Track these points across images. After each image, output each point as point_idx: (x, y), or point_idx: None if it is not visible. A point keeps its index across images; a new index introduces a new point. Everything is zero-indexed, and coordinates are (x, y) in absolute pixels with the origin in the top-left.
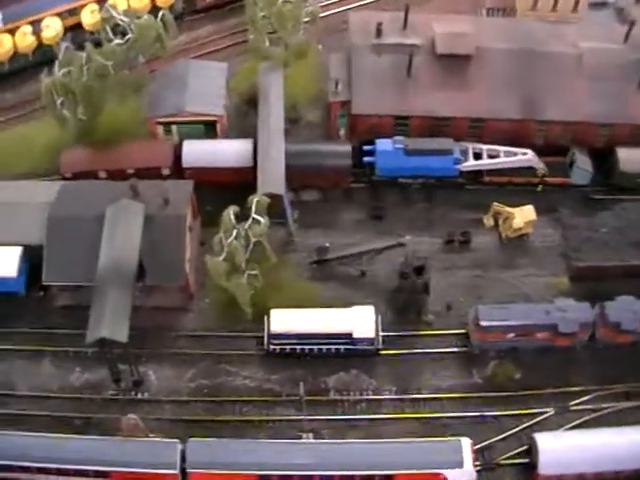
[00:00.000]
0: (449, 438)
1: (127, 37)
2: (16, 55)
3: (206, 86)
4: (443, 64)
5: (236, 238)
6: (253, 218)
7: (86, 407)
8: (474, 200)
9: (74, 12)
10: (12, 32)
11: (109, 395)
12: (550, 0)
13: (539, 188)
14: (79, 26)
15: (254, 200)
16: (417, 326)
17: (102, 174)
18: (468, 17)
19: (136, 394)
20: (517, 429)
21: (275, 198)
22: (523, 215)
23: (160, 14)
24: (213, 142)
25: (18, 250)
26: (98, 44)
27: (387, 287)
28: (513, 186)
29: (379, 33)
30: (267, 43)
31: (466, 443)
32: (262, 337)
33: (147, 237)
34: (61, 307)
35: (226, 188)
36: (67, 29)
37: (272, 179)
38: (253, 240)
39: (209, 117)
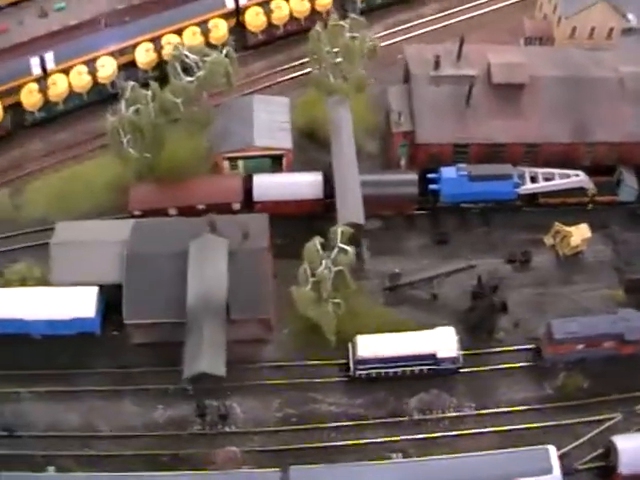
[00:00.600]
0: (535, 447)
1: (197, 74)
2: (71, 95)
3: (272, 120)
4: (498, 93)
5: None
6: (339, 248)
7: (172, 443)
8: (530, 221)
9: (127, 51)
10: (66, 72)
11: (195, 430)
12: (587, 28)
13: (589, 207)
14: (132, 64)
15: (338, 230)
16: (488, 344)
17: (172, 211)
18: (517, 47)
19: (223, 427)
20: (589, 435)
21: (355, 227)
22: (579, 233)
23: (224, 51)
24: (283, 176)
25: (95, 290)
26: (155, 80)
27: (458, 308)
28: (565, 206)
29: (437, 65)
30: (331, 77)
31: (552, 450)
32: (344, 363)
33: (230, 271)
34: (137, 345)
35: (290, 220)
36: (120, 67)
37: (352, 209)
38: (335, 269)
39: (277, 151)
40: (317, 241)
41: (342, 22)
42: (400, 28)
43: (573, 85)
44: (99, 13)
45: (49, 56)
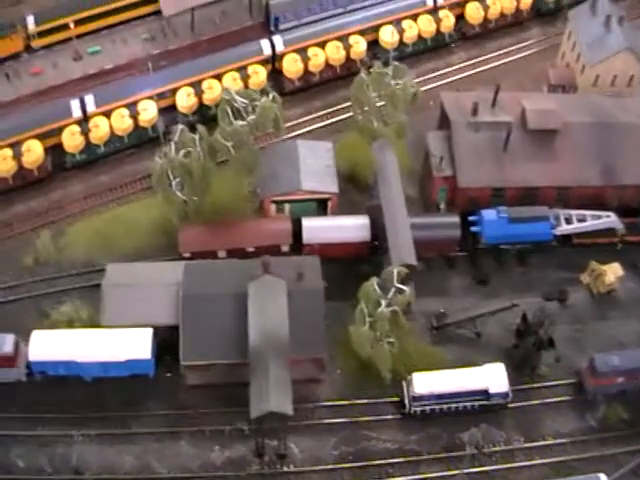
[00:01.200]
0: (588, 475)
1: (249, 118)
2: (112, 137)
3: (318, 165)
4: (533, 138)
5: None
6: (396, 288)
7: None
8: (564, 261)
9: (167, 95)
10: (106, 114)
11: (254, 470)
12: (610, 76)
13: (619, 246)
14: (172, 108)
15: (394, 271)
16: (532, 379)
17: (221, 253)
18: (549, 94)
19: (281, 467)
20: (632, 464)
21: (408, 268)
22: (613, 271)
23: (270, 96)
24: (331, 219)
25: (150, 331)
26: (192, 126)
27: (501, 345)
28: (597, 246)
29: (475, 112)
30: (375, 122)
31: (604, 478)
32: (398, 401)
33: (288, 312)
34: (191, 386)
35: (333, 262)
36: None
37: (404, 250)
38: (391, 309)
39: (323, 195)
40: (374, 281)
41: (385, 69)
42: (430, 76)
43: (602, 131)
44: (134, 57)
45: (89, 98)
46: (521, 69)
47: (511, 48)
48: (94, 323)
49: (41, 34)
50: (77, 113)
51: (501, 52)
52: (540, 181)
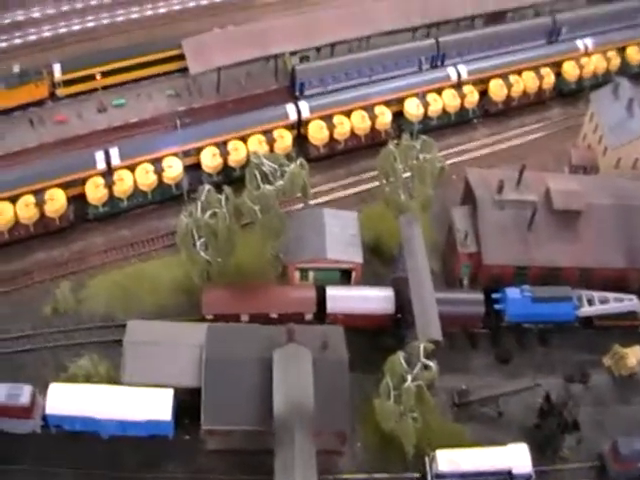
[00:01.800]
0: None
1: (277, 183)
2: (135, 192)
3: (343, 234)
4: (557, 218)
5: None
6: (422, 364)
7: None
8: (586, 342)
9: (191, 153)
10: (130, 168)
11: None
12: (631, 159)
13: None
14: (196, 166)
15: (421, 346)
16: (554, 461)
17: (244, 317)
18: (573, 175)
19: None
20: None
21: (434, 343)
22: (635, 355)
23: (297, 162)
24: (355, 289)
25: (170, 392)
26: (216, 186)
27: (522, 425)
28: (619, 328)
29: (500, 189)
30: (402, 195)
31: None
32: (420, 477)
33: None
34: (210, 451)
35: (355, 332)
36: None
37: (431, 325)
38: (416, 384)
39: (348, 264)
40: (401, 356)
41: (414, 142)
42: (452, 150)
43: (625, 213)
44: (158, 112)
45: (114, 151)
46: (542, 148)
47: (533, 127)
48: (112, 379)
49: (67, 83)
50: (101, 165)
51: (523, 130)
52: (563, 261)
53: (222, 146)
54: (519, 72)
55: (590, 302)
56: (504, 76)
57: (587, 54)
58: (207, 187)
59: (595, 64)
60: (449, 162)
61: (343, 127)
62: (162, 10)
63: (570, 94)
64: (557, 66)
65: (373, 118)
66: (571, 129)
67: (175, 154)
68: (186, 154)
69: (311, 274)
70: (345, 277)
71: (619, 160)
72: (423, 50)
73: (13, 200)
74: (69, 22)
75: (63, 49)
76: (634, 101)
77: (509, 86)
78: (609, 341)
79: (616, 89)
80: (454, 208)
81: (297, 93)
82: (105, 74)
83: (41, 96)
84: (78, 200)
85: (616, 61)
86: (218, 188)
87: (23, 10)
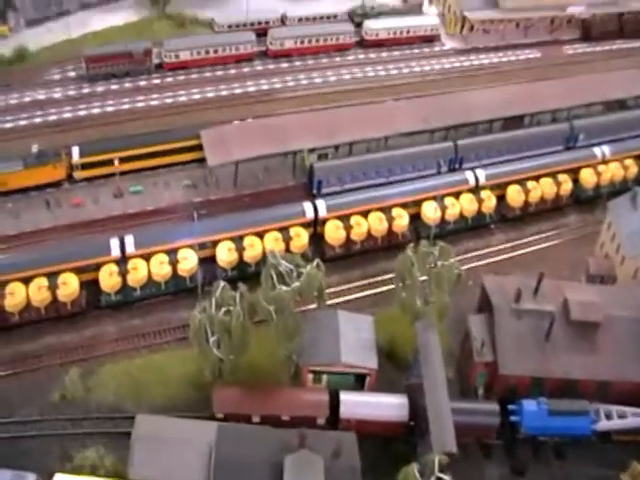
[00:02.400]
0: None
1: (293, 285)
2: (149, 282)
3: (358, 339)
4: (575, 329)
5: None
6: (438, 477)
7: None
8: (603, 457)
9: (207, 246)
10: (144, 257)
11: None
12: None
13: None
14: (210, 260)
15: (436, 459)
16: None
17: (256, 417)
18: (590, 285)
19: None
20: None
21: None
22: None
23: (314, 263)
24: (369, 395)
25: None
26: (230, 281)
27: None
28: (637, 443)
29: (518, 298)
30: (418, 302)
31: None
32: None
33: None
34: None
35: (366, 439)
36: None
37: (446, 436)
38: None
39: (362, 369)
40: (415, 467)
41: (432, 249)
42: (469, 255)
43: None
44: (175, 202)
45: (129, 239)
46: (559, 255)
47: (550, 233)
48: (118, 473)
49: (85, 166)
50: (116, 252)
51: (540, 237)
52: (580, 374)
53: (238, 241)
54: (537, 178)
55: (608, 416)
56: (522, 182)
57: (604, 161)
58: (222, 284)
59: (612, 172)
60: (465, 267)
61: (360, 228)
62: (182, 98)
63: (587, 201)
64: (574, 173)
65: (390, 220)
66: (588, 237)
67: (190, 246)
68: (201, 247)
69: (324, 377)
70: (359, 381)
71: (637, 270)
72: (441, 153)
73: (26, 281)
74: (89, 105)
75: (82, 131)
76: None
77: (526, 192)
78: (628, 457)
79: (634, 198)
80: (471, 316)
81: (314, 191)
82: (123, 160)
83: (58, 178)
84: (91, 286)
85: (634, 169)
86: (232, 283)
87: (45, 90)
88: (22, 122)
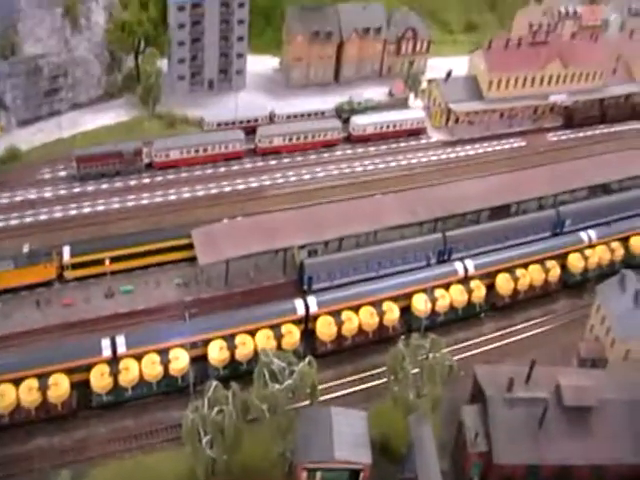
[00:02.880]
0: None
1: (286, 383)
2: (140, 382)
3: (351, 434)
4: (568, 414)
5: None
6: None
7: None
8: None
9: (198, 345)
10: (136, 357)
11: None
12: None
13: None
14: (201, 358)
15: None
16: None
17: None
18: (582, 370)
19: None
20: None
21: None
22: None
23: (306, 360)
24: None
25: None
26: (222, 380)
27: None
28: None
29: (510, 387)
30: (411, 395)
31: None
32: None
33: None
34: None
35: None
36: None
37: None
38: None
39: (356, 465)
40: None
41: (423, 341)
42: (460, 346)
43: (638, 408)
44: (166, 301)
45: (120, 339)
46: (550, 341)
47: (539, 320)
48: None
49: (75, 266)
50: (107, 352)
51: (530, 323)
52: (576, 459)
53: (230, 339)
54: (525, 265)
55: None
56: (510, 270)
57: (591, 246)
58: (214, 383)
59: (599, 255)
60: (456, 358)
61: (351, 323)
62: (172, 197)
63: (575, 285)
64: (562, 258)
65: (381, 314)
66: (578, 321)
67: (182, 345)
68: (193, 346)
69: (319, 474)
70: (353, 477)
71: (628, 352)
72: (430, 244)
73: (16, 382)
74: (80, 204)
75: (73, 231)
76: None
77: (515, 280)
78: None
79: (622, 281)
80: (464, 407)
81: (305, 287)
82: (114, 259)
83: (49, 277)
84: (82, 386)
85: (620, 252)
86: (224, 382)
87: (36, 189)
88: (13, 221)
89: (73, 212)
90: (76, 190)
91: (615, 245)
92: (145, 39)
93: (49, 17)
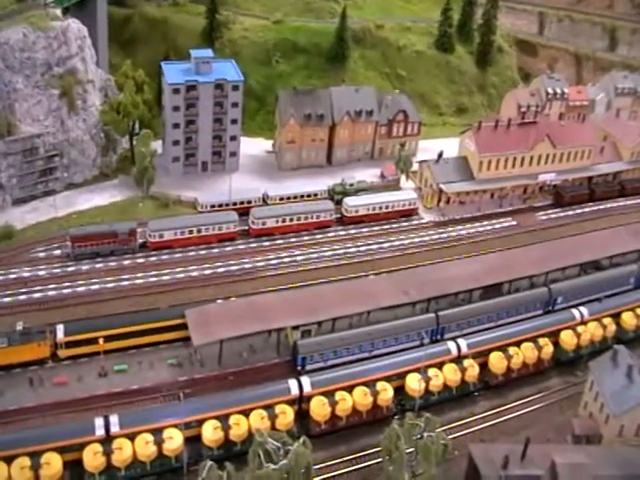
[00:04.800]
0: None
1: (281, 463)
2: (134, 462)
3: None
4: None
5: None
6: None
7: None
8: None
9: (192, 425)
10: (129, 437)
11: None
12: (634, 426)
13: None
14: (195, 438)
15: None
16: None
17: None
18: (577, 447)
19: None
20: None
21: None
22: None
23: (301, 440)
24: None
25: None
26: (216, 460)
27: None
28: None
29: (505, 465)
30: (406, 476)
31: None
32: None
33: None
34: None
35: None
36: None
37: None
38: None
39: None
40: None
41: (417, 421)
42: (454, 425)
43: None
44: (159, 380)
45: (114, 419)
46: (543, 419)
47: (533, 397)
48: None
49: (69, 344)
50: (100, 432)
51: (523, 401)
52: None
53: (224, 420)
54: (518, 343)
55: None
56: (503, 348)
57: (583, 322)
58: (209, 463)
59: (592, 332)
60: (451, 437)
61: (345, 403)
62: (166, 277)
63: (568, 362)
64: (555, 335)
65: (375, 394)
66: (571, 398)
67: (176, 425)
68: (187, 426)
69: None
70: None
71: (622, 427)
72: (423, 324)
73: (8, 460)
74: (74, 283)
75: (67, 309)
76: (634, 368)
77: (509, 358)
78: None
79: (615, 357)
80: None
81: (299, 367)
82: (108, 339)
83: (42, 356)
84: (74, 465)
85: (612, 328)
86: (219, 462)
87: (30, 267)
88: (6, 299)
89: (67, 291)
90: (70, 269)
91: (607, 321)
92: (140, 121)
93: (46, 98)
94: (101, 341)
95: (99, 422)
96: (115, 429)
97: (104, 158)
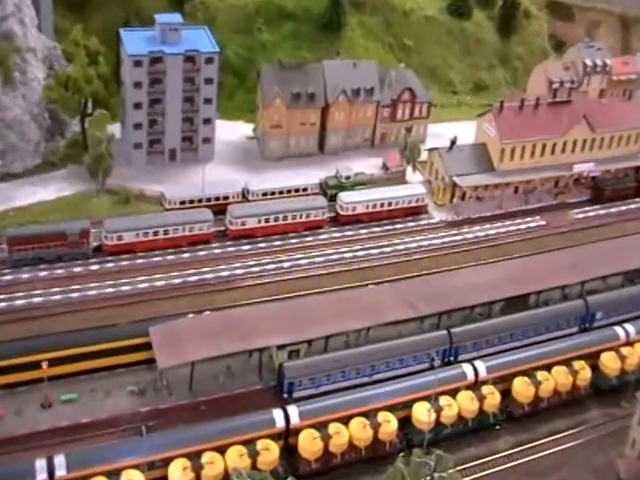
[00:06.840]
0: None
1: None
2: None
3: None
4: None
5: None
6: None
7: None
8: None
9: (157, 465)
10: None
11: None
12: None
13: None
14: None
15: None
16: None
17: None
18: None
19: None
20: None
21: None
22: None
23: None
24: None
25: None
26: None
27: None
28: None
29: None
30: None
31: None
32: None
33: None
34: None
35: None
36: None
37: None
38: None
39: None
40: None
41: (426, 458)
42: (471, 464)
43: None
44: (117, 412)
45: (59, 460)
46: (580, 459)
47: (567, 433)
48: None
49: (4, 370)
50: (42, 476)
51: (555, 437)
52: None
53: (195, 458)
54: (548, 367)
55: None
56: (530, 373)
57: (629, 343)
58: None
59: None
60: (466, 479)
61: (340, 437)
62: (126, 288)
63: (611, 391)
64: (593, 358)
65: (375, 426)
66: (615, 434)
67: (137, 466)
68: (150, 466)
69: None
70: None
71: None
72: (433, 343)
73: None
74: (12, 295)
75: (2, 327)
76: None
77: (536, 384)
78: None
79: None
80: None
81: (285, 395)
82: (53, 362)
83: None
84: None
85: None
86: None
87: None
88: None
89: (2, 304)
90: (7, 277)
91: None
92: (94, 99)
93: None
94: (45, 365)
95: (41, 464)
96: (61, 472)
97: (49, 143)
